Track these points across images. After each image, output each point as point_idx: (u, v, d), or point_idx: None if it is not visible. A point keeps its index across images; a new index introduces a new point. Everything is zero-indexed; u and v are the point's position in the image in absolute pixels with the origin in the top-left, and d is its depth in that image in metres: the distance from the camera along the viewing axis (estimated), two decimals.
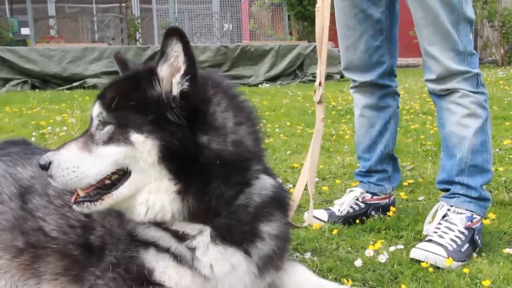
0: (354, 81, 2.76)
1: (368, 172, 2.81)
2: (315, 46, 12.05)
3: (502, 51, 14.95)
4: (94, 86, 10.40)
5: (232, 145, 1.54)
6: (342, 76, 11.27)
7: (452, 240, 2.25)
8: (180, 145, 1.48)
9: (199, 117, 1.52)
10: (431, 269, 2.08)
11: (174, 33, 1.47)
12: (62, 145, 1.59)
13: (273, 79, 11.79)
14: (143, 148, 1.49)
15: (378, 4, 2.57)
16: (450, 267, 2.12)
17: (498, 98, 7.09)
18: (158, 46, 11.92)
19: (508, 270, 2.06)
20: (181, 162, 1.50)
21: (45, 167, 1.53)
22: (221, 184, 1.54)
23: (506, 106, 6.54)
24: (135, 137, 1.49)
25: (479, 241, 2.31)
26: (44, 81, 10.79)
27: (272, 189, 1.70)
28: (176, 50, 1.49)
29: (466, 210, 2.35)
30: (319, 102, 2.46)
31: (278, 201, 1.73)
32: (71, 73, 10.81)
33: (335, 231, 2.53)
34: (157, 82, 1.53)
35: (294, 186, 3.15)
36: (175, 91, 1.51)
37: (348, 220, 2.70)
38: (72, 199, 1.60)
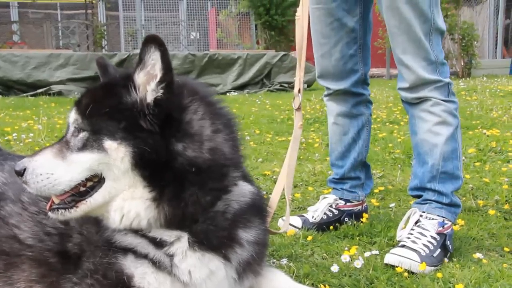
0: (328, 89, 2.79)
1: (341, 179, 2.85)
2: (282, 55, 12.19)
3: (462, 63, 15.34)
4: (59, 93, 10.24)
5: (208, 152, 1.54)
6: (309, 86, 11.40)
7: (424, 245, 2.29)
8: (153, 152, 1.48)
9: (174, 124, 1.51)
10: (406, 274, 2.12)
11: (152, 40, 1.47)
12: (37, 152, 1.58)
13: (240, 88, 11.81)
14: (116, 155, 1.48)
15: (353, 13, 2.62)
16: (424, 272, 2.16)
17: (460, 109, 7.20)
18: (125, 53, 11.83)
19: (478, 274, 2.11)
20: (155, 169, 1.50)
21: (20, 173, 1.52)
22: (197, 190, 1.54)
23: (469, 116, 6.72)
24: (108, 143, 1.48)
25: (450, 246, 2.37)
26: (7, 87, 10.53)
27: (250, 196, 1.70)
28: (153, 58, 1.48)
29: (438, 216, 2.40)
30: (298, 108, 2.48)
31: (257, 208, 1.74)
32: (35, 79, 10.58)
33: (309, 238, 2.55)
34: (133, 88, 1.52)
35: (267, 193, 3.17)
36: (149, 98, 1.51)
37: (322, 226, 2.72)
38: (47, 206, 1.58)
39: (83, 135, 1.51)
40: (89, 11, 18.34)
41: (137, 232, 1.58)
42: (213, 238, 1.60)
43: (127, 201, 1.53)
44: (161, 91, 1.50)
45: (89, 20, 18.25)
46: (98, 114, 1.51)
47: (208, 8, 19.75)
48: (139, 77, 1.52)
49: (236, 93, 11.28)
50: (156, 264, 1.56)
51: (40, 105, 8.29)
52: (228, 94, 11.15)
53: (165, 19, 19.79)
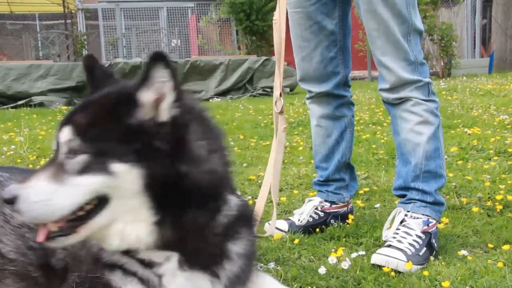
0: (310, 92, 2.80)
1: (326, 181, 2.86)
2: (264, 60, 12.22)
3: (442, 63, 15.51)
4: (41, 104, 10.13)
5: (207, 173, 1.50)
6: (292, 90, 11.44)
7: (410, 244, 2.31)
8: (163, 174, 1.43)
9: (179, 145, 1.46)
10: (392, 273, 2.13)
11: (160, 58, 1.40)
12: (27, 177, 1.46)
13: (223, 94, 11.80)
14: (125, 177, 1.41)
15: (332, 16, 2.64)
16: (410, 271, 2.18)
17: (442, 108, 7.27)
18: (107, 62, 11.76)
19: (464, 271, 2.13)
20: (163, 192, 1.45)
21: (11, 202, 1.41)
22: (195, 213, 1.50)
23: (450, 115, 6.80)
24: (117, 166, 1.40)
25: (435, 244, 2.39)
26: None
27: (237, 208, 1.67)
28: (162, 76, 1.42)
29: (423, 214, 2.42)
30: (281, 112, 2.48)
31: (244, 218, 1.71)
32: (15, 91, 10.45)
33: (296, 241, 2.56)
34: (139, 107, 1.45)
35: (252, 198, 3.17)
36: (165, 117, 1.44)
37: (308, 229, 2.73)
38: (41, 235, 1.46)
39: (82, 158, 1.41)
40: (69, 21, 18.23)
41: (126, 252, 1.53)
42: (204, 256, 1.57)
43: (128, 223, 1.47)
44: (177, 109, 1.45)
45: (69, 30, 18.14)
46: (101, 136, 1.43)
47: (188, 15, 19.75)
48: (146, 95, 1.44)
49: (219, 99, 11.27)
50: (145, 282, 1.53)
51: (21, 117, 8.20)
52: (211, 100, 11.14)
53: (146, 27, 19.75)
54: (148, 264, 1.54)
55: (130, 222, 1.46)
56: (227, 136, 5.16)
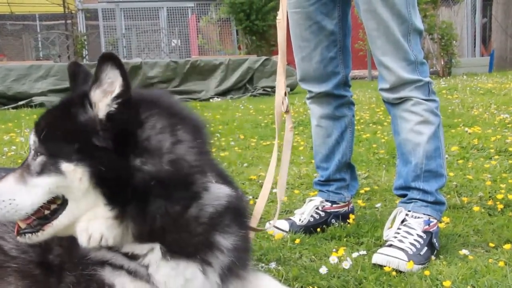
0: (310, 92, 2.80)
1: (327, 181, 2.86)
2: (264, 60, 12.22)
3: (442, 62, 15.50)
4: (41, 105, 10.11)
5: (169, 164, 1.52)
6: (292, 89, 11.43)
7: (411, 244, 2.31)
8: (110, 170, 1.47)
9: (131, 141, 1.50)
10: (394, 273, 2.14)
11: (109, 58, 1.45)
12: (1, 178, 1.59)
13: (223, 94, 11.79)
14: (73, 176, 1.47)
15: (331, 16, 2.64)
16: (412, 270, 2.18)
17: (442, 107, 7.30)
18: None
19: (465, 270, 2.14)
20: (114, 187, 1.49)
21: None
22: (163, 202, 1.51)
23: (450, 114, 6.79)
24: (65, 166, 1.47)
25: (436, 244, 2.39)
26: None
27: (227, 199, 1.67)
28: (111, 75, 1.46)
29: (424, 214, 2.43)
30: (287, 111, 2.48)
31: (234, 210, 1.71)
32: (16, 91, 10.45)
33: (297, 241, 2.56)
34: (89, 107, 1.51)
35: (253, 197, 3.17)
36: (102, 113, 1.49)
37: (309, 229, 2.73)
38: (15, 231, 1.59)
39: (40, 159, 1.51)
40: (69, 21, 18.24)
41: (110, 248, 1.57)
42: (187, 245, 1.58)
43: (91, 221, 1.52)
44: (115, 106, 1.48)
45: (69, 30, 18.15)
46: (53, 137, 1.51)
47: (188, 15, 19.75)
48: (95, 95, 1.50)
49: (219, 99, 11.27)
50: (133, 274, 1.56)
51: (21, 117, 8.20)
52: (211, 100, 11.14)
53: (146, 27, 19.75)
54: (133, 257, 1.57)
55: (92, 219, 1.52)
56: (226, 135, 5.15)
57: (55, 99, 10.44)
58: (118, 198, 1.49)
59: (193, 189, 1.58)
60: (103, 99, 1.49)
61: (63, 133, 1.51)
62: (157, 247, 1.56)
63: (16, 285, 1.70)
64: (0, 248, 1.74)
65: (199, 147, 1.62)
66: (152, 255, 1.57)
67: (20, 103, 10.25)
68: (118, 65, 1.45)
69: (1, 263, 1.73)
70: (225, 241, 1.65)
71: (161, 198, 1.51)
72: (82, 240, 1.53)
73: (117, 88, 1.47)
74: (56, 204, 1.54)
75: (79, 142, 1.48)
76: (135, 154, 1.49)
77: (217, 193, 1.66)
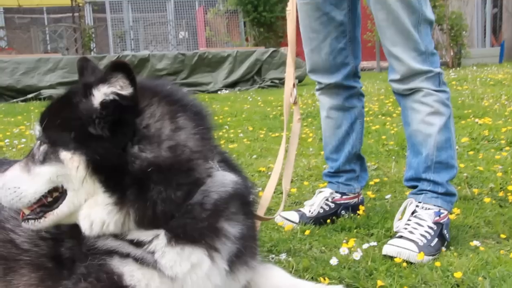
0: (319, 83, 2.79)
1: (336, 173, 2.85)
2: (272, 52, 12.18)
3: (452, 53, 15.39)
4: (50, 97, 10.13)
5: (168, 151, 1.54)
6: (300, 81, 11.40)
7: (422, 235, 2.30)
8: (106, 157, 1.50)
9: (128, 129, 1.51)
10: (404, 264, 2.13)
11: (122, 68, 1.47)
12: (8, 167, 1.64)
13: (231, 85, 11.78)
14: (71, 164, 1.51)
15: (340, 7, 2.62)
16: (422, 262, 2.17)
17: (452, 98, 7.19)
18: (114, 55, 11.81)
19: (476, 261, 2.13)
20: (112, 174, 1.51)
21: None
22: (164, 188, 1.53)
23: (460, 105, 6.75)
24: (64, 154, 1.51)
25: (447, 235, 2.38)
26: None
27: (232, 185, 1.68)
28: (120, 83, 1.48)
29: (434, 205, 2.42)
30: (295, 102, 2.47)
31: (242, 198, 1.72)
32: (25, 84, 10.50)
33: (307, 232, 2.56)
34: (89, 96, 1.52)
35: (262, 189, 3.17)
36: (96, 102, 1.51)
37: (319, 220, 2.73)
38: (20, 217, 1.65)
39: (43, 147, 1.55)
40: (76, 14, 18.27)
41: (115, 236, 1.59)
42: (192, 231, 1.58)
43: (92, 208, 1.55)
44: (111, 97, 1.49)
45: (76, 23, 18.18)
46: (53, 126, 1.55)
47: (196, 7, 19.73)
48: (100, 90, 1.51)
49: (227, 91, 11.26)
50: (139, 261, 1.57)
51: (31, 110, 8.24)
52: (219, 92, 11.14)
53: (153, 19, 19.75)
54: (138, 244, 1.58)
55: (93, 206, 1.55)
56: (235, 126, 5.15)
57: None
58: (116, 185, 1.52)
59: (195, 175, 1.60)
60: (102, 89, 1.50)
61: (63, 121, 1.54)
62: (162, 233, 1.57)
63: (29, 277, 1.71)
64: (13, 242, 1.76)
65: (201, 133, 1.63)
66: (157, 241, 1.57)
67: (29, 96, 10.31)
68: (130, 75, 1.47)
69: (14, 256, 1.74)
70: (232, 228, 1.65)
71: (161, 184, 1.53)
72: (85, 227, 1.56)
73: (124, 91, 1.49)
74: (58, 193, 1.58)
75: (76, 131, 1.52)
76: (134, 141, 1.51)
77: (222, 180, 1.66)
